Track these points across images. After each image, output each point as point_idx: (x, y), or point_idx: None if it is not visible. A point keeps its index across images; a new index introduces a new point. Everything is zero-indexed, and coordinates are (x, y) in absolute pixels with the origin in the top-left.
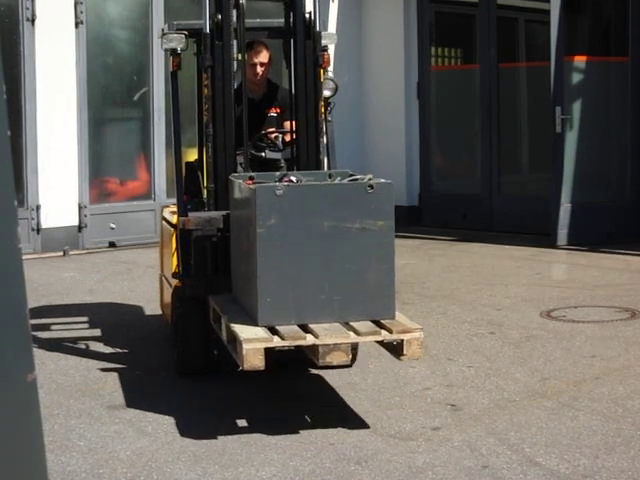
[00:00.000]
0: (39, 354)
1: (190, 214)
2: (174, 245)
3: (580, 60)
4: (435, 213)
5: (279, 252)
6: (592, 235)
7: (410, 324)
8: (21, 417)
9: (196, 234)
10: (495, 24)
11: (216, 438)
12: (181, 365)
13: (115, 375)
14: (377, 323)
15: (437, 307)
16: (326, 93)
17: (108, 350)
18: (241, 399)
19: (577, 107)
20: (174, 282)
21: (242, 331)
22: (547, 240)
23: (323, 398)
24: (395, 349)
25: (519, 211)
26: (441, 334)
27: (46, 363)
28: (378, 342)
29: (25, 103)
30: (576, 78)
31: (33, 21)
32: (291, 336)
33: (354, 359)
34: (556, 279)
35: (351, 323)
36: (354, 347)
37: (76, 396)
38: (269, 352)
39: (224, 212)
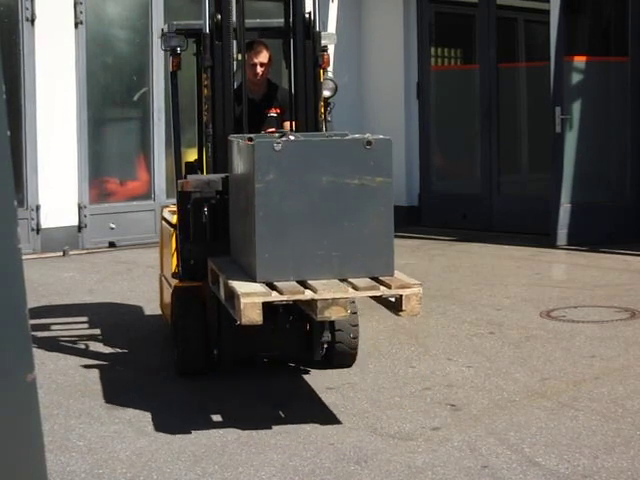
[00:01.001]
0: (39, 354)
1: (189, 176)
2: (174, 245)
3: (580, 60)
4: (435, 213)
5: (277, 207)
6: (592, 235)
7: (409, 280)
8: (21, 417)
9: (195, 196)
10: (495, 24)
11: (216, 438)
12: (181, 365)
13: (115, 375)
14: (376, 280)
15: (437, 307)
16: (326, 93)
17: (108, 350)
18: (241, 399)
19: (577, 107)
20: (174, 282)
21: (240, 286)
22: (547, 240)
23: (322, 398)
24: (394, 306)
25: (519, 211)
26: (441, 334)
27: (46, 363)
28: (376, 299)
29: (25, 103)
30: (576, 78)
31: (33, 21)
32: (289, 291)
33: (353, 359)
34: (556, 279)
35: (350, 279)
36: (353, 311)
37: (76, 396)
38: (267, 306)
39: (223, 175)
